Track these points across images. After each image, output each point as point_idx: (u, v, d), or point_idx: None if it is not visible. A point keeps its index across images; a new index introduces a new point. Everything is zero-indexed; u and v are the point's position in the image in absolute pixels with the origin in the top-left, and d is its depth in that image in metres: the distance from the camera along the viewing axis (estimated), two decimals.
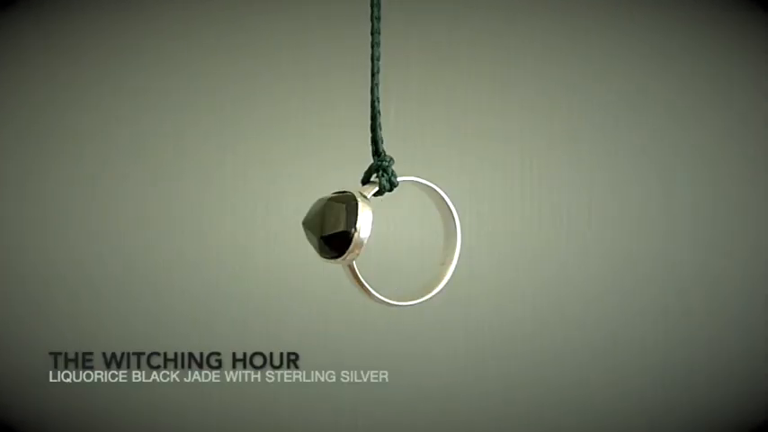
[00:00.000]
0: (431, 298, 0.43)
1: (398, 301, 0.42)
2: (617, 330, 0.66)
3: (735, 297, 0.65)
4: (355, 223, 0.38)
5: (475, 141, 0.65)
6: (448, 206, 0.43)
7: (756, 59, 0.64)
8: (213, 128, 0.67)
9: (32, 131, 0.67)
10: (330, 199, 0.39)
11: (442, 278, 0.43)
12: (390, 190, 0.41)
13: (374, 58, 0.40)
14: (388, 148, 0.40)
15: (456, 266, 0.43)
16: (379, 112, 0.40)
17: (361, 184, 0.41)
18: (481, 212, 0.66)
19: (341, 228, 0.38)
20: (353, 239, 0.38)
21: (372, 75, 0.40)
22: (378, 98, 0.40)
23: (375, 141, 0.41)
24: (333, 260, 0.39)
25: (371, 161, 0.41)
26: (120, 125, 0.67)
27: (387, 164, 0.41)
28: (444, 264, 0.44)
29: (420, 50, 0.66)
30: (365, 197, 0.39)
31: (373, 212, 0.38)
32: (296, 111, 0.66)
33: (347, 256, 0.38)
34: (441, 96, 0.65)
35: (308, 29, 0.66)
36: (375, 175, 0.41)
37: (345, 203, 0.38)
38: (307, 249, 0.65)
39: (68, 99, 0.67)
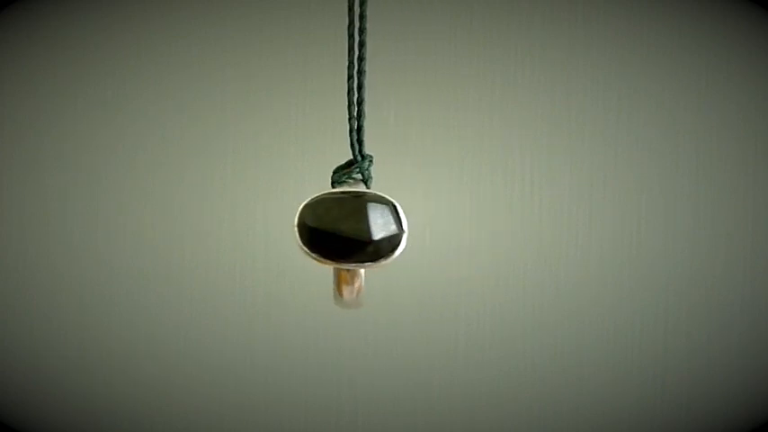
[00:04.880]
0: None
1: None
2: (617, 330, 0.66)
3: (735, 297, 0.65)
4: (401, 224, 0.37)
5: (475, 142, 0.65)
6: None
7: (757, 59, 0.64)
8: (213, 128, 0.67)
9: (33, 130, 0.67)
10: (366, 200, 0.37)
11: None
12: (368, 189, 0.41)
13: (360, 59, 0.40)
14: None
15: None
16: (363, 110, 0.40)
17: (333, 183, 0.40)
18: (481, 212, 0.65)
19: (395, 230, 0.37)
20: (403, 241, 0.37)
21: (360, 74, 0.40)
22: (363, 98, 0.40)
23: (361, 141, 0.40)
24: (363, 264, 0.37)
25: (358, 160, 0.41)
26: (120, 126, 0.67)
27: (371, 163, 0.41)
28: None
29: (420, 51, 0.65)
30: None
31: None
32: (296, 111, 0.66)
33: (391, 259, 0.37)
34: (441, 97, 0.65)
35: (309, 29, 0.66)
36: (351, 174, 0.40)
37: (388, 204, 0.37)
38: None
39: (67, 100, 0.67)
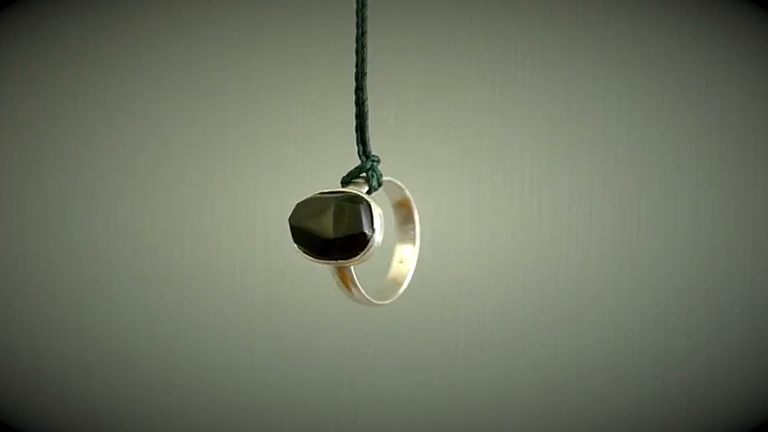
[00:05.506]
0: (402, 293, 0.44)
1: (377, 299, 0.42)
2: (617, 330, 0.66)
3: (735, 297, 0.65)
4: (372, 224, 0.37)
5: (475, 142, 0.65)
6: (411, 205, 0.44)
7: (757, 59, 0.64)
8: (213, 128, 0.67)
9: (33, 130, 0.67)
10: (337, 199, 0.38)
11: (407, 273, 0.44)
12: (376, 190, 0.41)
13: (362, 60, 0.40)
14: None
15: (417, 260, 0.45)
16: (367, 111, 0.41)
17: (342, 184, 0.41)
18: (481, 212, 0.66)
19: (359, 229, 0.37)
20: (372, 241, 0.37)
21: (362, 75, 0.40)
22: (366, 98, 0.40)
23: (364, 142, 0.41)
24: (336, 262, 0.38)
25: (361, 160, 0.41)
26: (120, 126, 0.67)
27: (376, 164, 0.41)
28: (403, 261, 0.45)
29: (420, 51, 0.65)
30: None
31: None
32: (296, 111, 0.66)
33: (361, 258, 0.37)
34: (441, 97, 0.65)
35: (309, 29, 0.66)
36: (360, 174, 0.41)
37: (359, 204, 0.37)
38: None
39: (67, 100, 0.67)
